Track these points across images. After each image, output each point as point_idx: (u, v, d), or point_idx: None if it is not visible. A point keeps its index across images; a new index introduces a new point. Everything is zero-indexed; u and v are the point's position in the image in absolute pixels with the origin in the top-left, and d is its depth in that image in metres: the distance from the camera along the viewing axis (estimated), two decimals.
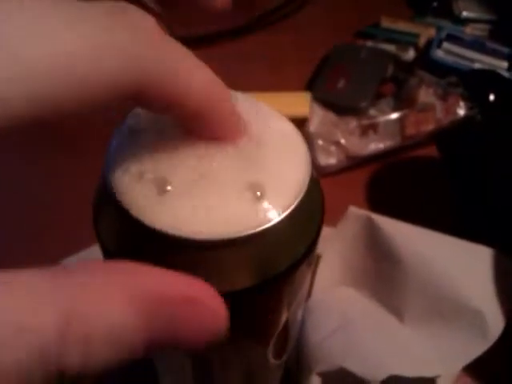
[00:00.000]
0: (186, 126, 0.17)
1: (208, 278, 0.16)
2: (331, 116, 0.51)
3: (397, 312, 0.36)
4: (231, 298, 0.17)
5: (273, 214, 0.16)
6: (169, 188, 0.16)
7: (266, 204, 0.16)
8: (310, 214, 0.18)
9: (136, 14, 0.14)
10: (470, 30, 0.68)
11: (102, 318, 0.11)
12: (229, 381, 0.24)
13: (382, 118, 0.50)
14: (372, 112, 0.53)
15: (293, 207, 0.16)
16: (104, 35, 0.13)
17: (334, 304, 0.36)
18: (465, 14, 0.68)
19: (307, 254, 0.18)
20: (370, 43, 0.64)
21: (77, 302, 0.11)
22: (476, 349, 0.33)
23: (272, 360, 0.24)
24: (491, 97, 0.53)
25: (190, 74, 0.15)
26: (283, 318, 0.21)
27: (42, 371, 0.10)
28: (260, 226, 0.15)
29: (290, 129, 0.19)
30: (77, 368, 0.11)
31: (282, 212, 0.16)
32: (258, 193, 0.16)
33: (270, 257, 0.17)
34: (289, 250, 0.18)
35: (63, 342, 0.10)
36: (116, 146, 0.17)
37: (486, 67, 0.60)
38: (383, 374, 0.30)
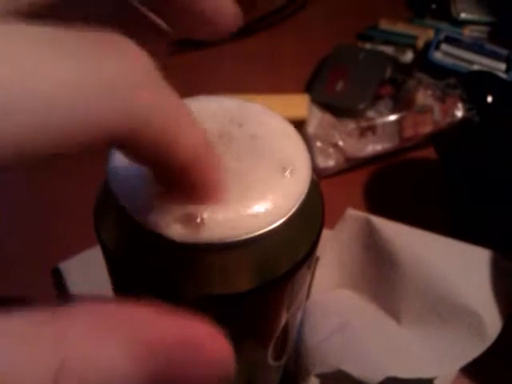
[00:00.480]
0: (164, 179, 0.15)
1: (209, 280, 0.16)
2: (329, 118, 0.51)
3: (395, 314, 0.36)
4: (232, 300, 0.17)
5: (273, 217, 0.16)
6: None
7: (266, 207, 0.16)
8: (310, 216, 0.18)
9: (128, 46, 0.12)
10: (468, 32, 0.68)
11: (98, 369, 0.10)
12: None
13: (380, 120, 0.50)
14: (370, 114, 0.53)
15: (294, 210, 0.16)
16: (90, 70, 0.11)
17: (332, 306, 0.36)
18: (463, 15, 0.68)
19: (307, 257, 0.18)
20: (368, 45, 0.64)
21: (74, 353, 0.10)
22: (473, 350, 0.34)
23: (271, 362, 0.24)
24: (489, 98, 0.53)
25: (183, 126, 0.13)
26: (283, 321, 0.21)
27: None
28: (260, 230, 0.16)
29: (291, 131, 0.19)
30: None
31: (283, 215, 0.16)
32: (260, 196, 0.16)
33: (270, 260, 0.17)
34: (289, 252, 0.18)
35: None
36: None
37: (484, 69, 0.60)
38: (381, 376, 0.30)
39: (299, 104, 0.51)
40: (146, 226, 0.15)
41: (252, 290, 0.17)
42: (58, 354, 0.10)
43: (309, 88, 0.58)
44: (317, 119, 0.50)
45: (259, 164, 0.17)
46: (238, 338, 0.21)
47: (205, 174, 0.14)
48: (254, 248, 0.16)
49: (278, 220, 0.16)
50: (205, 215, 0.15)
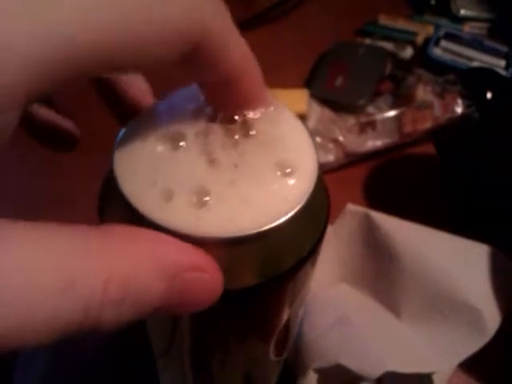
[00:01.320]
0: (218, 91, 0.17)
1: None
2: (329, 113, 0.51)
3: (394, 309, 0.36)
4: (235, 296, 0.17)
5: (277, 214, 0.16)
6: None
7: (271, 203, 0.16)
8: (315, 213, 0.18)
9: None
10: (467, 29, 0.68)
11: (136, 284, 0.12)
12: (228, 377, 0.25)
13: (380, 116, 0.50)
14: (370, 109, 0.53)
15: (298, 208, 0.16)
16: None
17: (331, 300, 0.36)
18: (463, 12, 0.68)
19: (311, 254, 0.18)
20: (368, 41, 0.64)
21: (117, 268, 0.12)
22: (472, 345, 0.34)
23: (273, 357, 0.24)
24: (488, 95, 0.53)
25: (238, 37, 0.16)
26: (285, 317, 0.21)
27: (77, 326, 0.11)
28: (265, 226, 0.15)
29: (300, 127, 0.19)
30: (107, 328, 0.12)
31: (287, 212, 0.16)
32: (265, 192, 0.16)
33: (274, 256, 0.17)
34: (294, 249, 0.17)
35: (103, 303, 0.11)
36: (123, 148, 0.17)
37: (484, 65, 0.60)
38: (380, 371, 0.30)
39: (299, 99, 0.51)
40: (151, 218, 0.15)
41: (255, 286, 0.17)
42: (105, 267, 0.12)
43: (308, 83, 0.58)
44: (316, 114, 0.50)
45: (266, 160, 0.17)
46: (240, 333, 0.21)
47: (253, 78, 0.17)
48: (258, 244, 0.16)
49: (283, 217, 0.16)
50: (212, 198, 0.15)
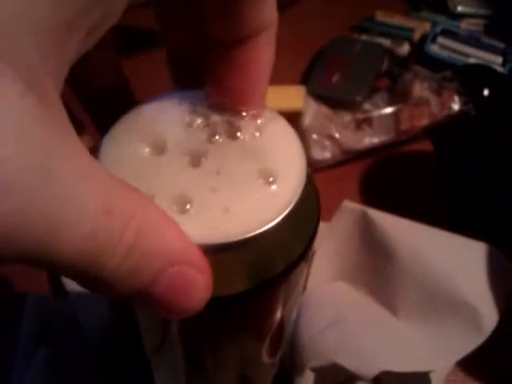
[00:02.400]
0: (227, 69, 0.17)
1: None
2: (326, 110, 0.51)
3: (391, 307, 0.36)
4: (225, 302, 0.16)
5: (265, 219, 0.16)
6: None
7: (257, 209, 0.16)
8: (305, 216, 0.18)
9: None
10: (464, 25, 0.67)
11: (145, 241, 0.13)
12: (222, 378, 0.24)
13: (376, 113, 0.50)
14: (366, 106, 0.53)
15: (289, 209, 0.16)
16: None
17: (328, 299, 0.36)
18: (460, 8, 0.68)
19: (304, 255, 0.18)
20: (364, 37, 0.64)
21: (136, 217, 0.12)
22: (469, 343, 0.34)
23: (266, 358, 0.24)
24: (485, 92, 0.53)
25: None
26: (278, 318, 0.21)
27: (94, 258, 0.12)
28: (252, 232, 0.15)
29: (284, 126, 0.19)
30: (107, 274, 0.12)
31: (274, 218, 0.16)
32: (251, 198, 0.16)
33: (265, 261, 0.17)
34: (286, 251, 0.17)
35: (120, 243, 0.12)
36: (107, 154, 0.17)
37: (481, 62, 0.60)
38: (376, 370, 0.30)
39: (295, 96, 0.51)
40: None
41: (247, 292, 0.17)
42: (128, 211, 0.12)
43: (305, 80, 0.58)
44: (313, 111, 0.50)
45: (250, 167, 0.17)
46: (232, 336, 0.21)
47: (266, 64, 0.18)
48: (246, 250, 0.15)
49: (270, 222, 0.16)
50: (193, 206, 0.15)
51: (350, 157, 0.50)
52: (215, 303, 0.15)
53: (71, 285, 0.38)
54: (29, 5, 0.10)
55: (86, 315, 0.36)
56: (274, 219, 0.16)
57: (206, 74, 0.18)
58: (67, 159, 0.11)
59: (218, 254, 0.15)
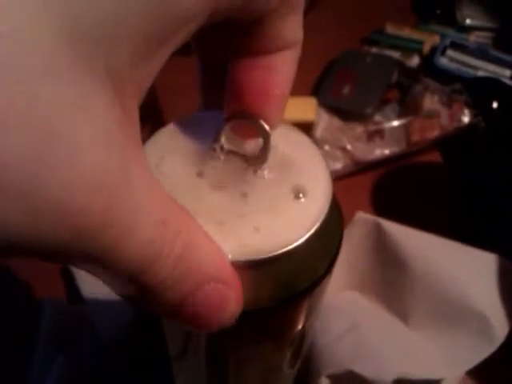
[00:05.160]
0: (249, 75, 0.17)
1: None
2: (337, 121, 0.51)
3: (402, 316, 0.36)
4: (251, 316, 0.17)
5: (297, 233, 0.16)
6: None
7: (285, 227, 0.16)
8: (331, 230, 0.18)
9: None
10: (473, 38, 0.68)
11: (191, 255, 0.13)
12: None
13: (387, 124, 0.51)
14: (377, 118, 0.54)
15: (317, 225, 0.16)
16: None
17: (343, 307, 0.36)
18: (468, 21, 0.69)
19: (328, 270, 0.18)
20: (375, 49, 0.65)
21: (184, 233, 0.13)
22: (481, 353, 0.34)
23: (286, 367, 0.24)
24: (494, 104, 0.53)
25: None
26: (301, 328, 0.21)
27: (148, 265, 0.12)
28: (279, 250, 0.16)
29: (312, 149, 0.19)
30: (157, 282, 0.13)
31: (301, 236, 0.16)
32: (279, 216, 0.16)
33: (293, 275, 0.17)
34: (311, 267, 0.18)
35: (170, 254, 0.12)
36: None
37: (490, 75, 0.61)
38: (392, 376, 0.30)
39: (307, 107, 0.52)
40: None
41: (273, 307, 0.17)
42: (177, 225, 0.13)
43: (316, 92, 0.58)
44: (325, 122, 0.50)
45: (280, 186, 0.17)
46: (256, 346, 0.21)
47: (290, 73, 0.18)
48: (275, 266, 0.16)
49: (299, 239, 0.16)
50: (225, 227, 0.16)
51: (361, 168, 0.50)
52: (242, 317, 0.15)
53: (88, 291, 0.39)
54: (129, 8, 0.10)
55: (102, 322, 0.36)
56: (303, 236, 0.16)
57: (227, 88, 0.18)
58: (141, 167, 0.12)
59: (247, 270, 0.15)
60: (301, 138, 0.19)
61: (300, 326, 0.21)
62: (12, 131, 0.09)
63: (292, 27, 0.17)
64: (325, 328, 0.34)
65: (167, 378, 0.27)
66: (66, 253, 0.11)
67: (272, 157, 0.18)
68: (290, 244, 0.16)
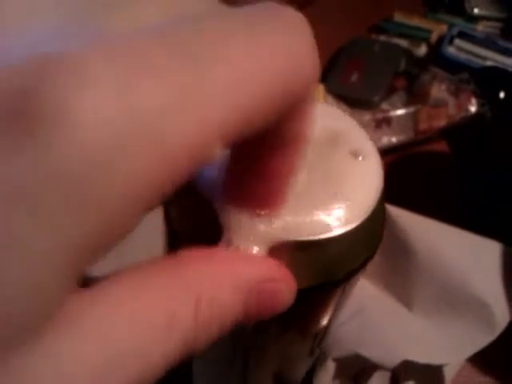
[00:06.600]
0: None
1: None
2: (344, 109, 0.51)
3: (406, 302, 0.37)
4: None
5: (341, 224, 0.16)
6: None
7: (338, 212, 0.17)
8: (372, 228, 0.18)
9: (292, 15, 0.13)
10: (481, 28, 0.68)
11: (219, 303, 0.13)
12: (262, 369, 0.25)
13: (395, 112, 0.51)
14: (384, 106, 0.54)
15: (360, 221, 0.17)
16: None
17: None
18: (476, 11, 0.68)
19: (364, 265, 0.19)
20: (383, 38, 0.65)
21: (202, 292, 0.12)
22: (482, 340, 0.34)
23: (307, 355, 0.25)
24: (501, 94, 0.53)
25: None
26: (328, 318, 0.22)
27: (180, 356, 0.12)
28: (328, 234, 0.16)
29: (343, 115, 0.20)
30: (200, 350, 0.12)
31: (353, 222, 0.16)
32: (332, 202, 0.17)
33: (332, 264, 0.17)
34: (349, 260, 0.18)
35: (197, 329, 0.12)
36: None
37: (497, 65, 0.60)
38: (397, 360, 0.30)
39: (315, 94, 0.52)
40: (219, 215, 0.16)
41: (308, 289, 0.17)
42: (192, 293, 0.12)
43: (323, 79, 0.58)
44: None
45: (337, 151, 0.18)
46: (284, 331, 0.21)
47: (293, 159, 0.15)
48: (317, 251, 0.16)
49: (347, 227, 0.16)
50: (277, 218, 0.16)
51: None
52: None
53: (95, 269, 0.39)
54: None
55: None
56: (344, 227, 0.16)
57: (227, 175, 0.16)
58: None
59: (290, 252, 0.16)
60: (338, 112, 0.20)
61: (328, 317, 0.21)
62: None
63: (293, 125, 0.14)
64: None
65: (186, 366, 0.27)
66: None
67: (322, 132, 0.18)
68: (331, 232, 0.16)
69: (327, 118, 0.19)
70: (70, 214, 0.09)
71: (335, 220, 0.16)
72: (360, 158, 0.18)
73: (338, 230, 0.16)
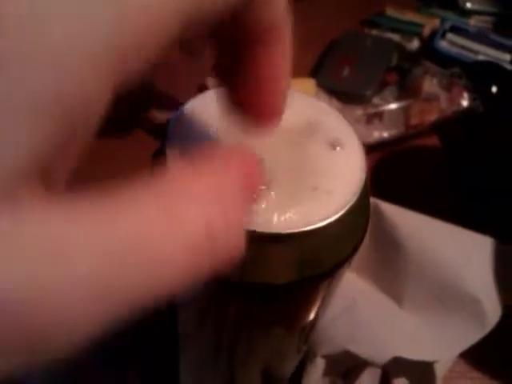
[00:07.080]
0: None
1: (253, 268, 0.16)
2: (336, 103, 0.51)
3: (396, 297, 0.36)
4: (272, 290, 0.17)
5: (322, 216, 0.16)
6: None
7: (316, 205, 0.16)
8: (356, 220, 0.18)
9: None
10: (473, 22, 0.68)
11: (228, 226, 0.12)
12: (249, 366, 0.25)
13: (386, 107, 0.50)
14: (376, 100, 0.53)
15: (342, 212, 0.16)
16: None
17: (338, 288, 0.36)
18: (469, 5, 0.68)
19: (349, 258, 0.18)
20: (375, 32, 0.64)
21: (215, 215, 0.12)
22: (473, 336, 0.34)
23: (295, 350, 0.24)
24: (493, 89, 0.53)
25: None
26: (314, 313, 0.21)
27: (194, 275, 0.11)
28: (309, 226, 0.16)
29: (328, 107, 0.19)
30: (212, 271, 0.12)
31: (331, 215, 0.16)
32: (310, 193, 0.17)
33: (316, 257, 0.17)
34: (334, 252, 0.18)
35: (213, 242, 0.11)
36: None
37: (490, 59, 0.60)
38: (387, 357, 0.30)
39: (305, 88, 0.51)
40: None
41: (292, 283, 0.17)
42: (204, 214, 0.11)
43: (315, 73, 0.58)
44: None
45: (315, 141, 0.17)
46: (270, 326, 0.21)
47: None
48: (301, 243, 0.16)
49: (327, 219, 0.16)
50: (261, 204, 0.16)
51: None
52: (263, 290, 0.15)
53: None
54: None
55: None
56: (326, 219, 0.16)
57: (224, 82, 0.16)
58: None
59: (271, 245, 0.16)
60: (321, 104, 0.20)
61: (314, 312, 0.21)
62: None
63: (273, 9, 0.15)
64: None
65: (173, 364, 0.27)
66: None
67: (299, 121, 0.18)
68: (313, 224, 0.16)
69: (306, 107, 0.19)
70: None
71: (314, 213, 0.16)
72: (338, 149, 0.17)
73: (317, 223, 0.16)
